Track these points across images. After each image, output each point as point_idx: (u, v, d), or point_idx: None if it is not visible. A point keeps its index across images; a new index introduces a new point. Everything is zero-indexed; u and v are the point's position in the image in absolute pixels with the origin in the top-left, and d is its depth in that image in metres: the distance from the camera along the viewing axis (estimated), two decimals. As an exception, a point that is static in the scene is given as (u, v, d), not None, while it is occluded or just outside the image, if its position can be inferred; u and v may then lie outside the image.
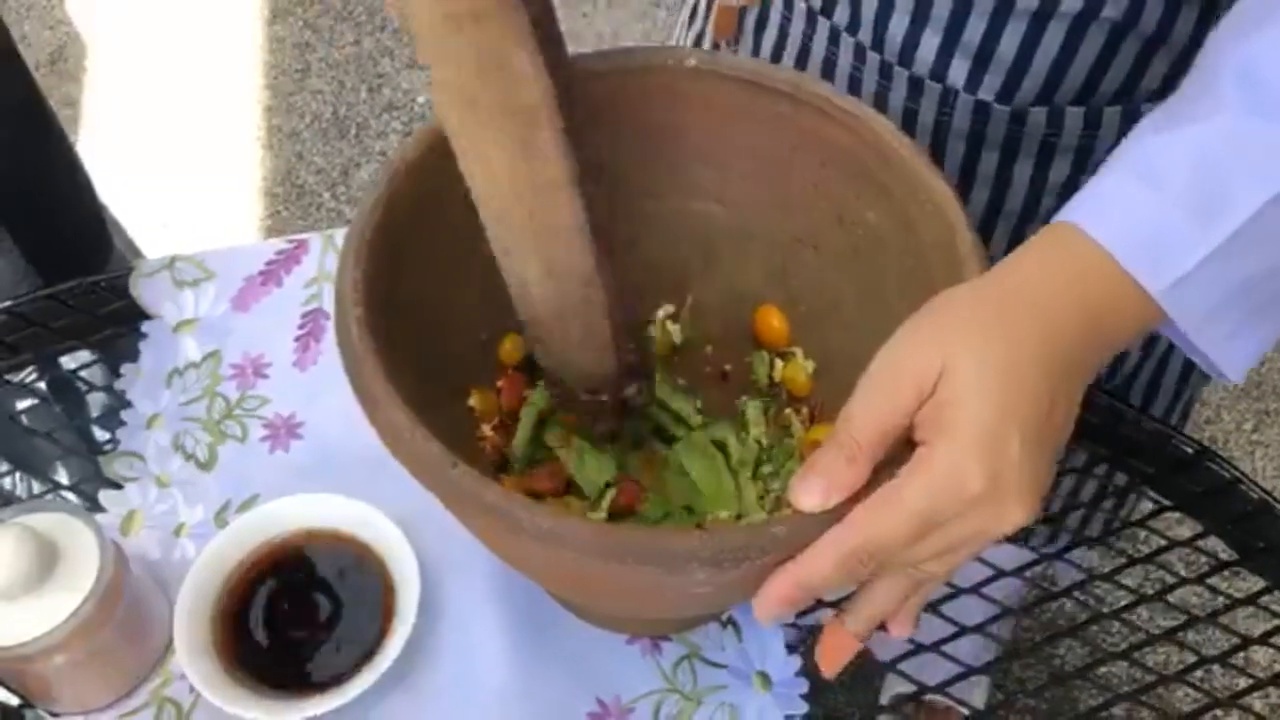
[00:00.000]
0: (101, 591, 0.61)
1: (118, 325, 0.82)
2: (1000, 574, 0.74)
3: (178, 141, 1.99)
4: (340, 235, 0.84)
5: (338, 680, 0.64)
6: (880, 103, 0.75)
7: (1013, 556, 0.75)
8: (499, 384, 0.66)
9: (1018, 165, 0.75)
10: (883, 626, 0.54)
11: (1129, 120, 0.71)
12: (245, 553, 0.68)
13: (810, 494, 0.47)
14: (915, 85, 0.73)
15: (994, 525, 0.48)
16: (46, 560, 0.61)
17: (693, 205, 0.67)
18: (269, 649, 0.66)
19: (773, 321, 0.68)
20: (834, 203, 0.63)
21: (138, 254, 1.35)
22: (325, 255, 0.83)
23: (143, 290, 0.81)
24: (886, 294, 0.62)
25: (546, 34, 0.48)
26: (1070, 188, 0.73)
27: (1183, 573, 0.78)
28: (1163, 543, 0.78)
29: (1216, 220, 0.48)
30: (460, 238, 0.61)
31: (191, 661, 0.63)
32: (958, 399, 0.47)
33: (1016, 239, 0.79)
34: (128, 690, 0.66)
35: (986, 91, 0.72)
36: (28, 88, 1.16)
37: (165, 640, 0.67)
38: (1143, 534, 0.83)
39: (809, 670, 0.67)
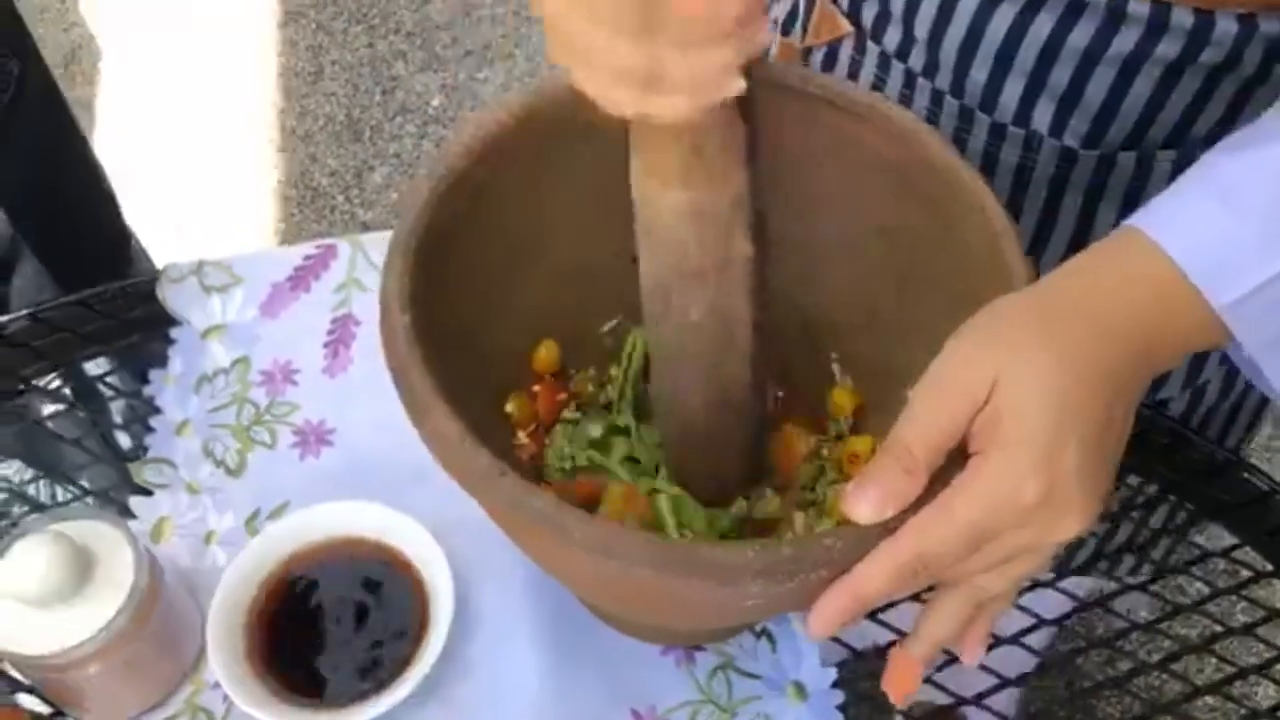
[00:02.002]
0: (137, 601, 0.61)
1: (144, 331, 0.81)
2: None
3: (190, 144, 1.98)
4: (368, 240, 0.83)
5: (371, 690, 0.63)
6: (959, 146, 0.72)
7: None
8: (534, 390, 0.66)
9: (1101, 209, 0.72)
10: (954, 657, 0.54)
11: None
12: (277, 560, 0.67)
13: (866, 505, 0.46)
14: (997, 131, 0.71)
15: (1050, 536, 0.47)
16: (82, 568, 0.60)
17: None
18: (301, 657, 0.65)
19: None
20: (870, 209, 0.63)
21: (151, 264, 1.34)
22: (354, 261, 0.82)
23: (170, 295, 0.81)
24: (927, 302, 0.61)
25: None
26: None
27: (1219, 584, 0.77)
28: (1195, 553, 0.78)
29: None
30: (499, 245, 0.60)
31: (224, 670, 0.63)
32: (1013, 409, 0.46)
33: None
34: (161, 699, 0.66)
35: (1072, 136, 0.69)
36: (50, 91, 1.15)
37: (198, 648, 0.67)
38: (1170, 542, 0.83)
39: (844, 681, 0.67)
